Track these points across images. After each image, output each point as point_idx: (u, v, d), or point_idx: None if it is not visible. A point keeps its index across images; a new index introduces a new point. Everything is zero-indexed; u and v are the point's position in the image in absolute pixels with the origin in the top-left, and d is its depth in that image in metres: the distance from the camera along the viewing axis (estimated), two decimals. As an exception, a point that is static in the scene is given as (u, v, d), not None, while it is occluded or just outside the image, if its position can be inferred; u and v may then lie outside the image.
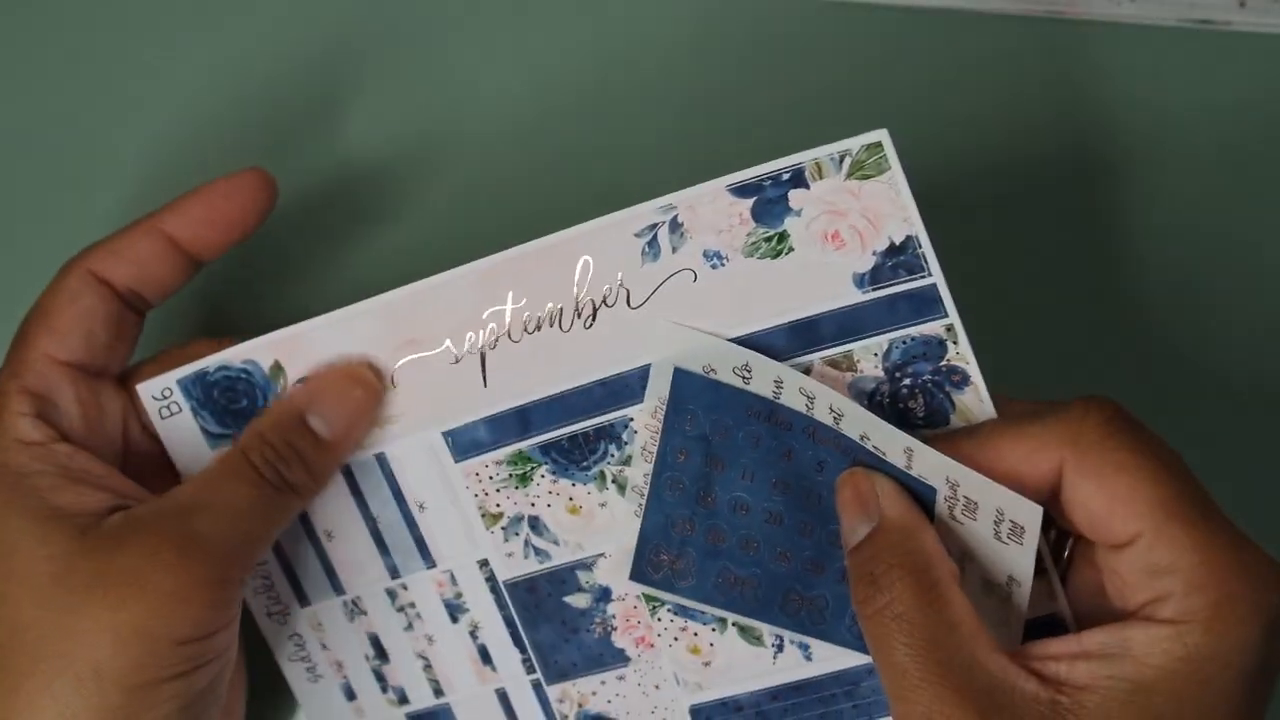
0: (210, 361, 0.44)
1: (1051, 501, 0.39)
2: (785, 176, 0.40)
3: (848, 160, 0.39)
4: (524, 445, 0.44)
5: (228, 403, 0.45)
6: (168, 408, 0.45)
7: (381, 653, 0.47)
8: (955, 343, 0.40)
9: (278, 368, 0.44)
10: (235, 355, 0.44)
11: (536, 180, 0.52)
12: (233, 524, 0.41)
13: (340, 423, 0.43)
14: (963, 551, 0.40)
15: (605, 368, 0.42)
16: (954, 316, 0.40)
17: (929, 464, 0.39)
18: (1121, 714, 0.35)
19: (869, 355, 0.41)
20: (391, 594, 0.46)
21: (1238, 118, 0.50)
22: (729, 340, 0.41)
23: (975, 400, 0.40)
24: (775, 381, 0.40)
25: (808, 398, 0.40)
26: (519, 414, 0.43)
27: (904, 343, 0.40)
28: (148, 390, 0.45)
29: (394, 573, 0.46)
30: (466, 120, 0.53)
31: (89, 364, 0.44)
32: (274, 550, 0.46)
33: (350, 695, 0.48)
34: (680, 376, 0.41)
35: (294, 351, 0.44)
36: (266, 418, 0.43)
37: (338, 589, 0.46)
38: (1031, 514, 0.38)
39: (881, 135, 0.39)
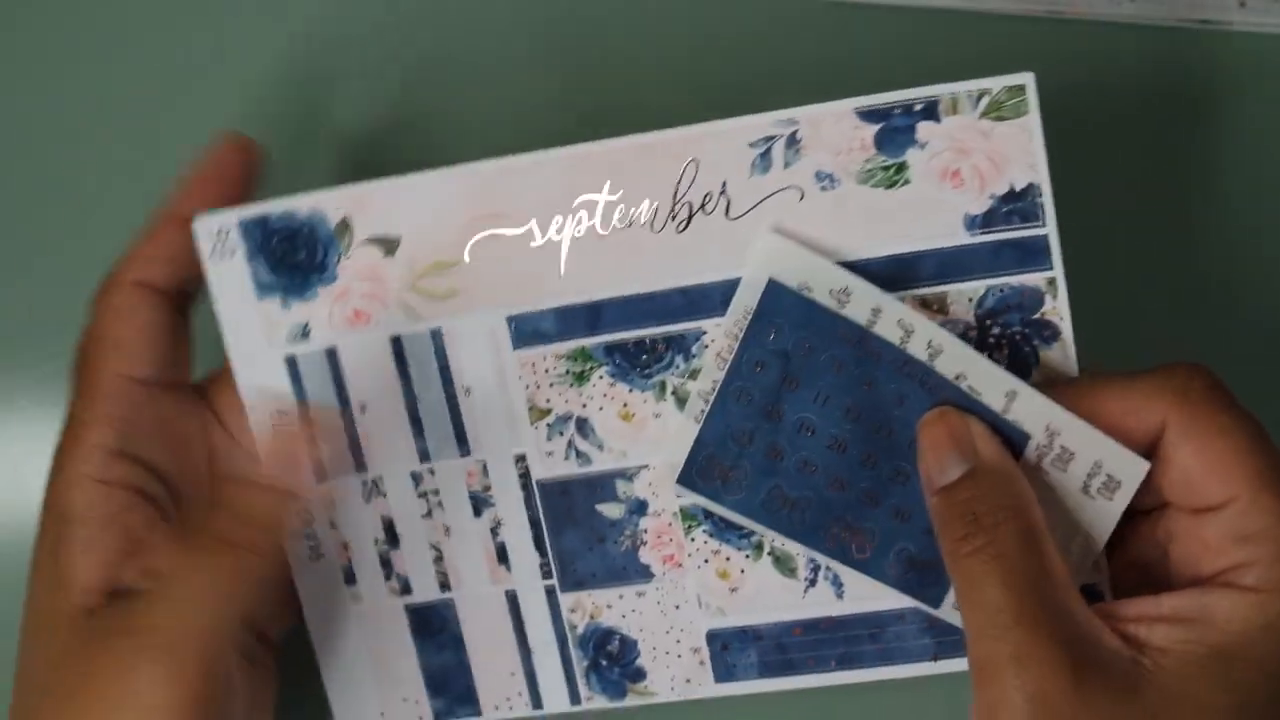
0: (275, 206, 0.43)
1: None
2: (918, 107, 0.40)
3: (986, 99, 0.39)
4: (588, 343, 0.43)
5: (284, 253, 0.43)
6: (222, 247, 0.43)
7: (393, 538, 0.45)
8: (1054, 296, 0.40)
9: (345, 225, 0.43)
10: (303, 204, 0.43)
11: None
12: (194, 614, 0.40)
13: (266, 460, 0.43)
14: (1041, 502, 0.40)
15: (690, 276, 0.42)
16: (1059, 270, 0.40)
17: (1031, 409, 0.39)
18: (1200, 678, 0.36)
19: (963, 299, 0.41)
20: (416, 477, 0.45)
21: (1237, 117, 0.50)
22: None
23: (1061, 356, 0.41)
24: (873, 309, 0.40)
25: (905, 330, 0.40)
26: (590, 309, 0.42)
27: (1001, 291, 0.41)
28: (205, 226, 0.43)
29: (424, 456, 0.44)
30: (469, 120, 0.52)
31: (162, 379, 0.43)
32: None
33: (350, 579, 0.46)
34: (773, 288, 0.41)
35: (366, 209, 0.42)
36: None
37: (360, 465, 0.45)
38: (1135, 469, 0.39)
39: (1026, 78, 0.39)
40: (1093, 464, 0.39)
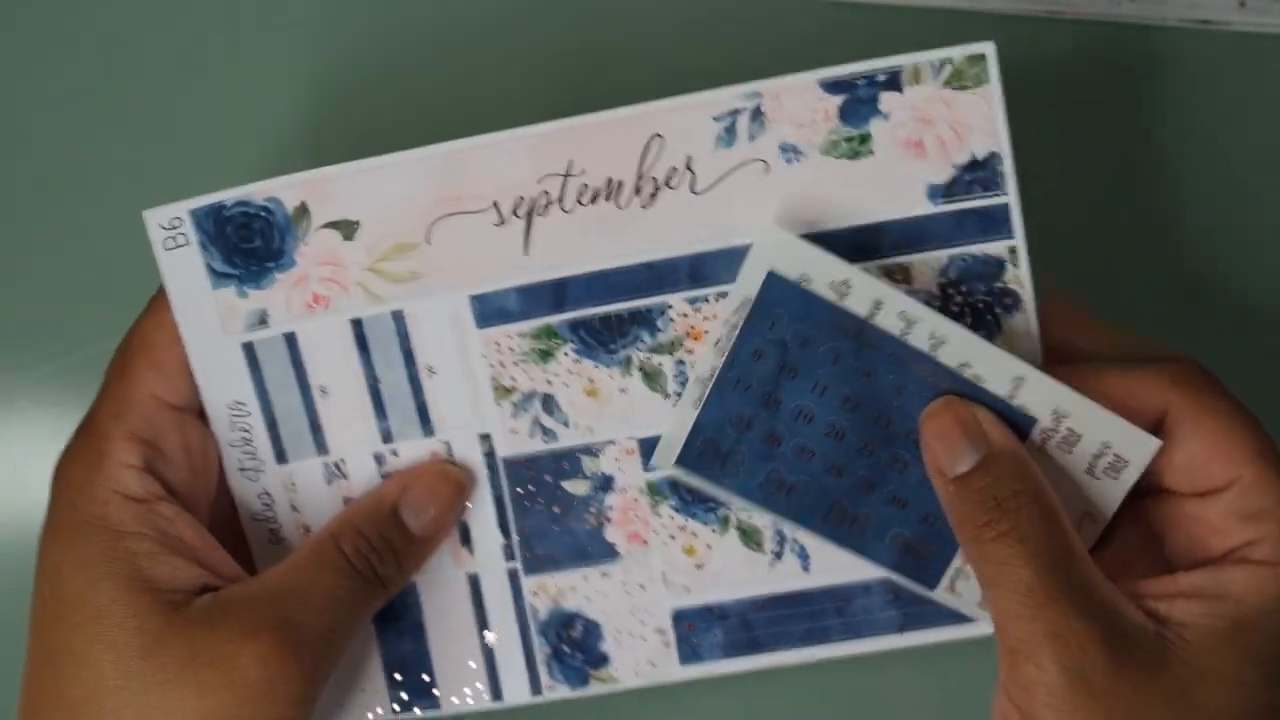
0: (229, 195, 0.42)
1: None
2: (881, 78, 0.40)
3: (948, 68, 0.40)
4: (553, 320, 0.43)
5: (240, 240, 0.42)
6: (174, 238, 0.42)
7: (355, 521, 0.45)
8: (1015, 265, 0.41)
9: (303, 210, 0.42)
10: (258, 191, 0.42)
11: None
12: (324, 614, 0.41)
13: (431, 518, 0.43)
14: None
15: (655, 251, 0.42)
16: (1020, 239, 0.41)
17: (1038, 393, 0.40)
18: (1226, 651, 0.37)
19: (927, 269, 0.41)
20: (379, 459, 0.44)
21: (1238, 118, 0.51)
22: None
23: (1023, 325, 0.41)
24: (875, 301, 0.40)
25: (907, 322, 0.40)
26: (555, 287, 0.42)
27: (964, 260, 0.41)
28: (155, 217, 0.42)
29: (387, 436, 0.44)
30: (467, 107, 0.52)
31: (192, 406, 0.43)
32: (260, 402, 0.44)
33: (312, 564, 0.45)
34: (772, 280, 0.41)
35: (324, 194, 0.42)
36: (359, 508, 0.43)
37: (321, 448, 0.44)
38: (1145, 446, 0.40)
39: (987, 48, 0.39)
40: (1100, 445, 0.40)
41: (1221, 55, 0.51)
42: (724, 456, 0.42)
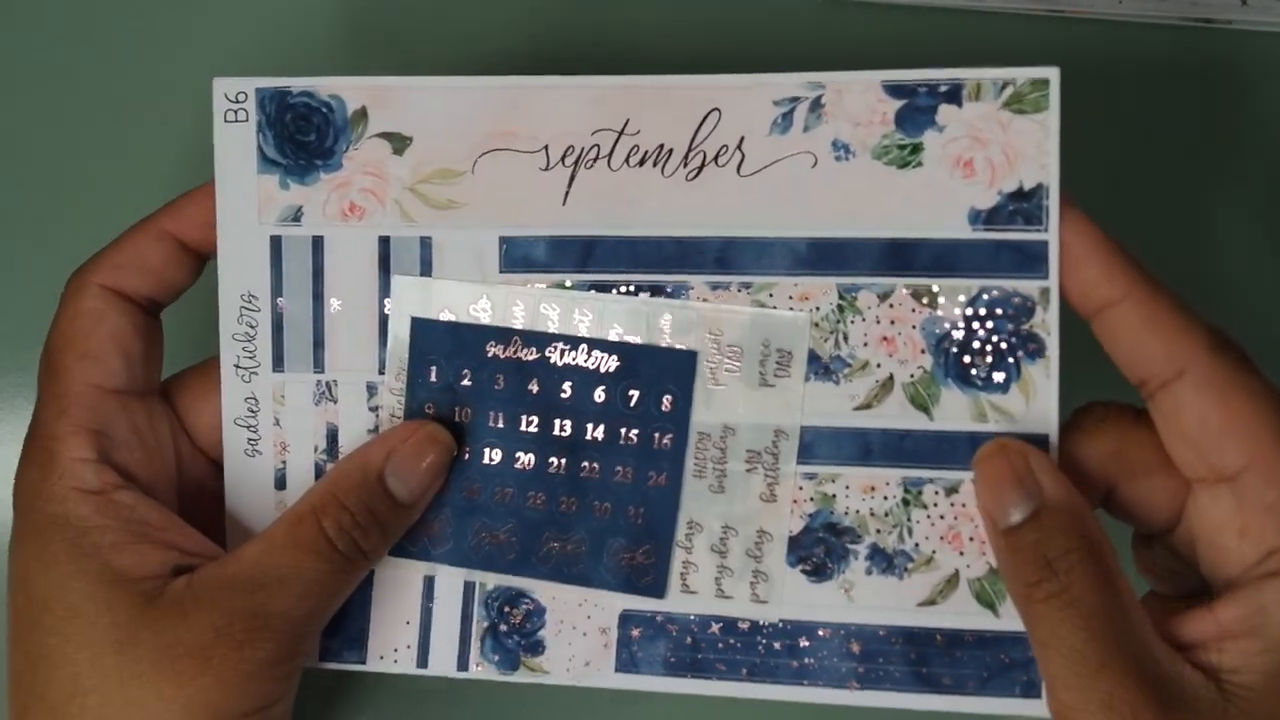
0: (297, 82, 0.43)
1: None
2: (942, 88, 0.40)
3: (1009, 90, 0.39)
4: (573, 279, 0.42)
5: (295, 130, 0.43)
6: (235, 112, 0.43)
7: (333, 449, 0.44)
8: (1045, 308, 0.39)
9: (362, 114, 0.43)
10: (324, 86, 0.43)
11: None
12: (301, 600, 0.40)
13: (419, 485, 0.42)
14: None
15: (689, 227, 0.41)
16: (1054, 281, 0.39)
17: (689, 320, 0.40)
18: None
19: (954, 296, 0.40)
20: (371, 389, 0.43)
21: (1240, 117, 0.50)
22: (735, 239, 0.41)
23: (1042, 375, 0.40)
24: (513, 304, 0.41)
25: (556, 311, 0.41)
26: (585, 245, 0.42)
27: (993, 293, 0.40)
28: (223, 87, 0.43)
29: (383, 367, 0.43)
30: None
31: (133, 387, 0.43)
32: (272, 300, 0.43)
33: (281, 484, 0.44)
34: (418, 326, 0.41)
35: (386, 102, 0.43)
36: (343, 480, 0.41)
37: (319, 365, 0.44)
38: (799, 325, 0.40)
39: (1052, 73, 0.39)
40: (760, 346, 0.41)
41: (1224, 54, 0.50)
42: (429, 527, 0.42)
